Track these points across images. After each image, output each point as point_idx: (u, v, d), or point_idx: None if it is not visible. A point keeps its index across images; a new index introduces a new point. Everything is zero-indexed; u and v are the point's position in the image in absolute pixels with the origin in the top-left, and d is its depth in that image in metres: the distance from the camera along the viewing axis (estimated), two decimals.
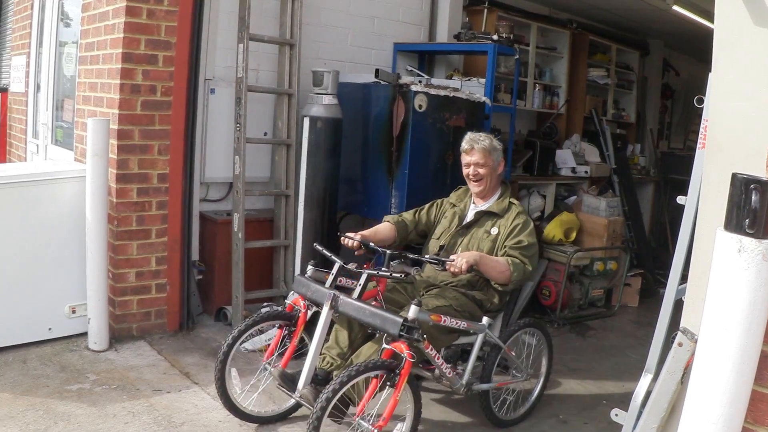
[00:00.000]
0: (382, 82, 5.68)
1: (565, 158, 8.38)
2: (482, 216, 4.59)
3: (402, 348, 3.68)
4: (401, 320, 3.69)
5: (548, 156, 8.20)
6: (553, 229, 7.29)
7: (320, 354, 4.13)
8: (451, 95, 5.78)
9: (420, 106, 5.54)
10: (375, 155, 5.79)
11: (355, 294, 3.98)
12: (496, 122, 7.12)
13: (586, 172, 8.40)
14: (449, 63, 7.59)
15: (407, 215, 4.80)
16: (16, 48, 8.66)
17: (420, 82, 5.83)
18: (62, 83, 6.97)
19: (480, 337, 4.28)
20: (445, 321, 4.04)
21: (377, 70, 5.62)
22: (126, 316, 5.57)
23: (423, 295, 4.42)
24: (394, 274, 3.98)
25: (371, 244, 4.35)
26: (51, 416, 4.30)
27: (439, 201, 4.86)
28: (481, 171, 4.54)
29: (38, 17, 7.65)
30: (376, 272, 4.01)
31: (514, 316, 6.39)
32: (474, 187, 4.63)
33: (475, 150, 4.54)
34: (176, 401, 4.57)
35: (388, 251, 4.24)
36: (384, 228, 4.71)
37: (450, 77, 7.21)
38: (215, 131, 6.06)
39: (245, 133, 5.75)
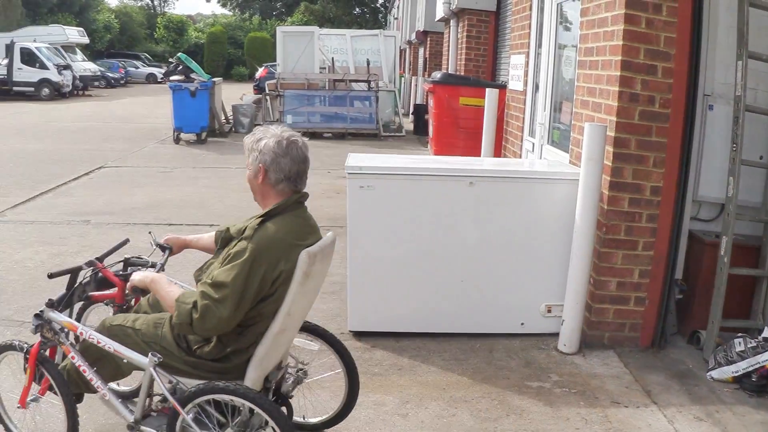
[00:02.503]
0: None
1: None
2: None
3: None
4: (41, 311, 3.80)
5: None
6: None
7: None
8: None
9: None
10: None
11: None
12: None
13: None
14: None
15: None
16: (515, 47, 9.54)
17: None
18: (560, 85, 7.57)
19: (146, 375, 3.61)
20: (82, 333, 3.75)
21: None
22: (600, 324, 5.90)
23: None
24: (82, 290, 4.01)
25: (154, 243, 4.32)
26: (504, 408, 4.84)
27: None
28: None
29: (537, 19, 8.38)
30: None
31: None
32: None
33: None
34: (631, 417, 4.79)
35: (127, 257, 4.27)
36: (209, 236, 4.20)
37: None
38: (711, 149, 6.08)
39: (741, 154, 5.68)
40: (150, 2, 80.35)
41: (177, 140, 18.67)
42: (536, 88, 8.43)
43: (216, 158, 16.15)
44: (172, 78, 19.25)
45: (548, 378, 5.32)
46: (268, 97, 21.84)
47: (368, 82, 20.23)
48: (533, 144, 8.44)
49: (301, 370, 4.20)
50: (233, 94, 26.91)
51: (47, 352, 3.91)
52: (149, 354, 3.57)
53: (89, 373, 3.76)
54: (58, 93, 35.40)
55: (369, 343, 5.90)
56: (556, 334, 5.91)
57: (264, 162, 3.62)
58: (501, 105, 9.80)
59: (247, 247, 3.44)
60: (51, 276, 3.98)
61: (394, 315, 6.02)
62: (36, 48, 35.75)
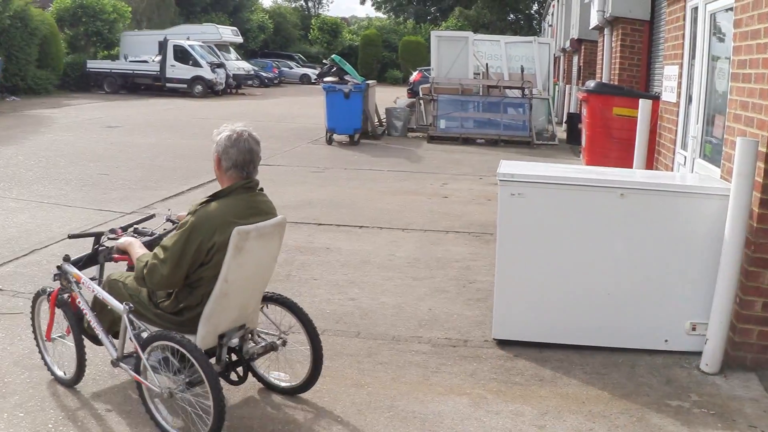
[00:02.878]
0: None
1: None
2: None
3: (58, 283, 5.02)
4: (60, 264, 5.01)
5: None
6: None
7: None
8: None
9: None
10: None
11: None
12: None
13: None
14: None
15: None
16: (668, 57, 9.52)
17: None
18: (714, 98, 7.54)
19: (123, 321, 4.55)
20: (82, 282, 4.91)
21: None
22: (743, 345, 5.81)
23: None
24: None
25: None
26: (642, 425, 4.91)
27: None
28: None
29: (690, 29, 8.38)
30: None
31: None
32: None
33: None
34: None
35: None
36: None
37: None
38: None
39: None
40: (304, 3, 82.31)
41: (329, 141, 19.32)
42: (689, 100, 8.41)
43: (368, 160, 16.63)
44: (326, 79, 19.95)
45: (688, 398, 5.35)
46: (421, 101, 22.28)
47: (522, 89, 20.33)
48: (685, 157, 8.42)
49: (280, 339, 5.04)
50: (387, 97, 27.45)
51: (68, 299, 5.01)
52: (124, 303, 4.55)
53: (89, 316, 4.86)
54: (211, 90, 36.93)
55: (512, 352, 6.06)
56: (700, 353, 5.87)
57: (218, 152, 4.54)
58: (654, 116, 9.73)
59: (189, 220, 4.36)
60: (71, 236, 5.27)
61: (538, 325, 6.16)
62: (189, 46, 37.39)
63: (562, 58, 33.18)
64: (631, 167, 9.45)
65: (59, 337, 5.20)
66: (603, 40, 16.77)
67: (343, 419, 4.89)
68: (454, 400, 5.18)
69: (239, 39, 48.96)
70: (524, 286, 6.11)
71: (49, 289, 5.16)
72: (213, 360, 4.61)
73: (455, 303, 7.15)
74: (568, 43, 27.53)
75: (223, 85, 38.06)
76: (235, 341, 4.78)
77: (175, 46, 37.15)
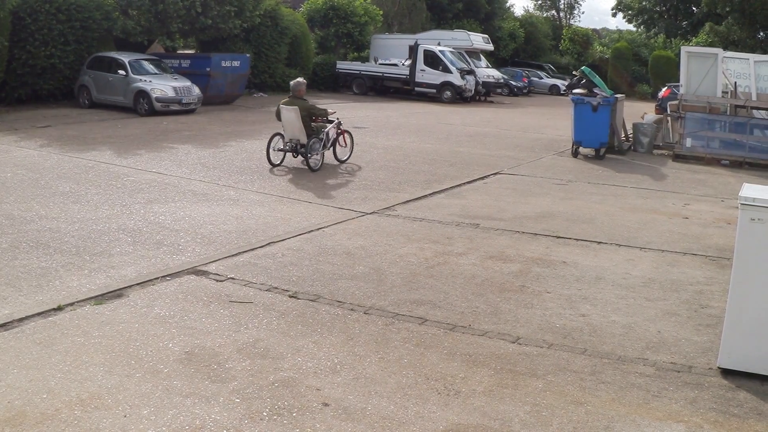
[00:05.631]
0: None
1: None
2: None
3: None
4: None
5: None
6: None
7: None
8: None
9: None
10: None
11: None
12: None
13: None
14: None
15: None
16: None
17: None
18: None
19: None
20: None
21: None
22: None
23: None
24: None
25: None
26: None
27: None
28: None
29: None
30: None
31: None
32: None
33: None
34: None
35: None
36: None
37: None
38: None
39: None
40: (555, 13, 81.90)
41: (575, 154, 19.38)
42: None
43: (612, 175, 16.59)
44: (574, 91, 20.04)
45: None
46: (669, 118, 21.83)
47: None
48: None
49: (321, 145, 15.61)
50: (635, 112, 26.99)
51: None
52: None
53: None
54: (459, 97, 37.48)
55: (734, 382, 6.00)
56: None
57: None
58: None
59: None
60: None
61: (765, 356, 6.02)
62: (440, 51, 38.13)
63: None
64: None
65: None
66: None
67: None
68: (671, 426, 5.23)
69: (490, 47, 49.06)
70: (756, 316, 5.99)
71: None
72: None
73: (685, 327, 7.13)
74: None
75: (472, 92, 38.42)
76: (296, 142, 15.21)
77: (425, 50, 38.02)
